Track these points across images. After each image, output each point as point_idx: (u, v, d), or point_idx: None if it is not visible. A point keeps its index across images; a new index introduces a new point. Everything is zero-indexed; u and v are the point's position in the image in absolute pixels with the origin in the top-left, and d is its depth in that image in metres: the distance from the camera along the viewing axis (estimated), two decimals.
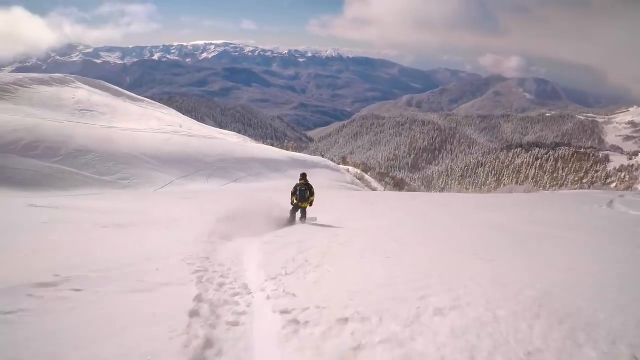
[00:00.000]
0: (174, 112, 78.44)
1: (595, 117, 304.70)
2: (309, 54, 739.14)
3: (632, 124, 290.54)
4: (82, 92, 63.27)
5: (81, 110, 57.45)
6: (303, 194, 15.03)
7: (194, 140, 59.05)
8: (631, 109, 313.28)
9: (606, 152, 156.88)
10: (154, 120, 65.71)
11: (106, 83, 78.61)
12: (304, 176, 15.63)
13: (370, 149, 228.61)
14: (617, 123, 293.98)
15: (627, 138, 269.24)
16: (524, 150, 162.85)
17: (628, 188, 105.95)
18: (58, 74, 70.10)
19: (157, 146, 52.19)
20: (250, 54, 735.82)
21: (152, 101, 78.82)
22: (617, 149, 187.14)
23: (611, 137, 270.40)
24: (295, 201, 15.12)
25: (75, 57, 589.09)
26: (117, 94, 72.33)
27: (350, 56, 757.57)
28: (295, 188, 15.19)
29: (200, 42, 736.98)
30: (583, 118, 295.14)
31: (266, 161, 62.36)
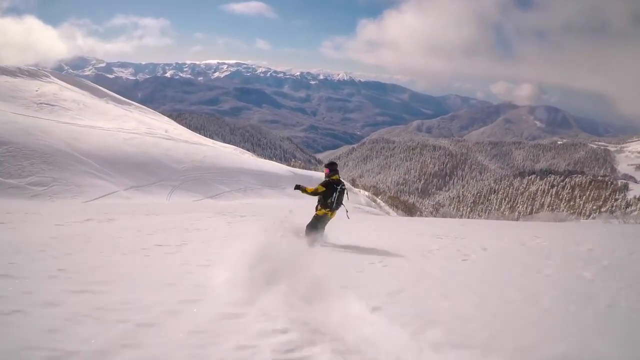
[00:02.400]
0: (166, 119, 67.05)
1: (607, 146, 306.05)
2: (321, 77, 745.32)
3: None
4: (51, 87, 53.49)
5: (40, 103, 46.22)
6: (341, 198, 10.26)
7: (167, 143, 47.19)
8: None
9: (624, 181, 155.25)
10: (133, 122, 52.78)
11: (90, 82, 70.37)
12: (334, 167, 10.45)
13: (380, 173, 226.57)
14: (629, 152, 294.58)
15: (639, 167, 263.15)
16: (538, 177, 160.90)
17: None
18: (33, 67, 62.79)
19: (110, 145, 40.41)
20: (262, 74, 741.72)
21: (143, 107, 69.99)
22: (629, 178, 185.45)
23: (623, 165, 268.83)
24: (326, 210, 10.13)
25: (88, 71, 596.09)
26: (100, 94, 61.73)
27: (362, 80, 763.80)
28: (326, 186, 10.02)
29: (213, 61, 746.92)
30: (595, 146, 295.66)
31: (260, 174, 51.38)
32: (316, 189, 9.95)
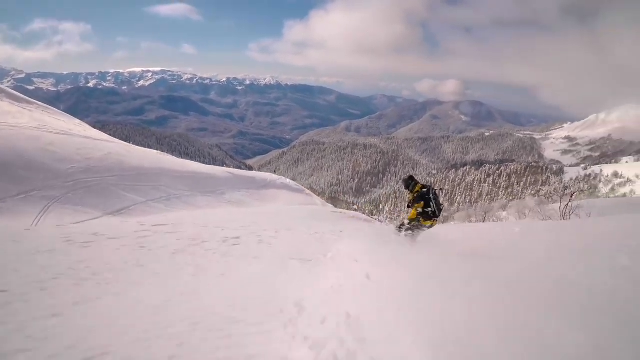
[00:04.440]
0: (77, 121, 52.03)
1: (533, 134, 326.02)
2: (248, 82, 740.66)
3: (568, 138, 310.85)
4: None
5: None
6: (439, 201, 9.33)
7: (51, 136, 29.38)
8: (565, 125, 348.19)
9: (561, 164, 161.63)
10: (27, 118, 34.09)
11: None
12: (410, 181, 9.69)
13: (312, 175, 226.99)
14: (553, 139, 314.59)
15: (565, 152, 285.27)
16: (473, 168, 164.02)
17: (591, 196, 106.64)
18: None
19: None
20: (188, 81, 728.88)
21: (51, 107, 55.72)
22: (557, 163, 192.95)
23: (549, 151, 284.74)
24: (431, 221, 9.25)
25: (7, 83, 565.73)
26: None
27: (289, 83, 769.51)
28: (422, 199, 9.14)
29: (138, 69, 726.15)
30: (522, 136, 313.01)
31: (190, 177, 35.94)
32: (416, 209, 9.13)
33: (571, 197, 20.17)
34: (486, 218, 45.61)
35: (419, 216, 9.11)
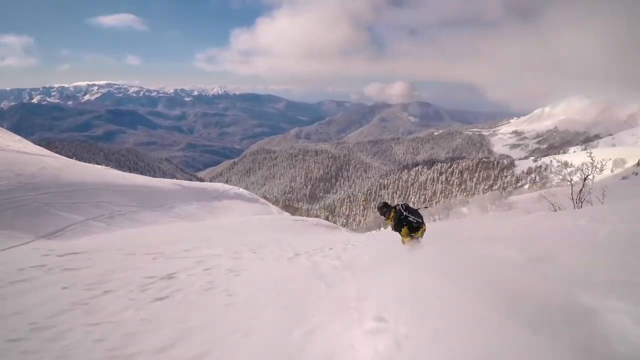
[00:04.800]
0: (17, 137, 46.79)
1: (481, 131, 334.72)
2: (195, 93, 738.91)
3: (516, 133, 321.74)
4: None
5: None
6: (415, 215, 9.22)
7: None
8: (512, 120, 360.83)
9: (512, 158, 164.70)
10: None
11: None
12: (384, 209, 9.42)
13: (265, 184, 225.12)
14: (501, 134, 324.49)
15: (514, 146, 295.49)
16: (426, 167, 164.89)
17: (542, 187, 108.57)
18: None
19: None
20: (135, 94, 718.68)
21: None
22: (506, 157, 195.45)
23: (498, 147, 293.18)
24: (415, 234, 9.18)
25: None
26: None
27: (237, 93, 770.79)
28: (400, 222, 9.08)
29: (83, 83, 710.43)
30: (470, 133, 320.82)
31: (135, 191, 32.19)
32: (405, 234, 9.14)
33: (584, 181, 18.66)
34: (450, 215, 44.17)
35: (410, 233, 9.08)
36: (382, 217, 9.61)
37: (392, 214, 9.19)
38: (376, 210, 9.75)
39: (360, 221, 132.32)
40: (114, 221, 24.55)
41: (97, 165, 42.90)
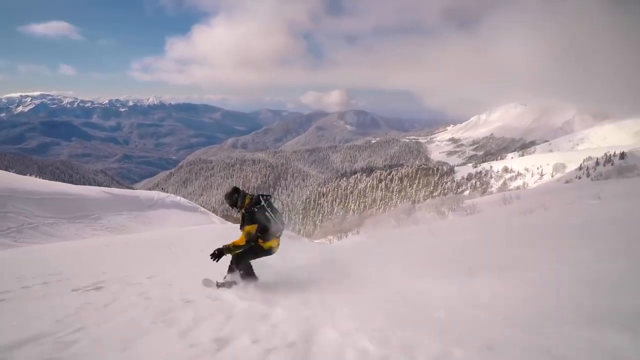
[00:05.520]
0: None
1: (418, 138, 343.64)
2: (131, 103, 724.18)
3: (453, 140, 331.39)
4: None
5: None
6: (276, 211, 6.96)
7: None
8: (448, 128, 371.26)
9: (450, 164, 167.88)
10: None
11: None
12: (234, 195, 6.98)
13: (202, 194, 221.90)
14: (438, 141, 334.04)
15: (450, 153, 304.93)
16: (364, 174, 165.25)
17: (484, 193, 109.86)
18: None
19: None
20: (69, 105, 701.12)
21: None
22: (444, 164, 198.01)
23: (435, 154, 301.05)
24: (274, 239, 6.95)
25: None
26: None
27: (172, 103, 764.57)
28: (253, 218, 6.61)
29: (15, 95, 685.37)
30: (407, 140, 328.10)
31: (52, 200, 27.44)
32: (248, 233, 6.67)
33: None
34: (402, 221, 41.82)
35: (261, 237, 6.77)
36: (232, 208, 7.16)
37: (248, 200, 6.92)
38: (224, 199, 7.26)
39: (300, 230, 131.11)
40: (23, 236, 20.93)
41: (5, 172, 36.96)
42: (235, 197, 6.98)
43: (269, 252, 6.98)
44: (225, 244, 6.66)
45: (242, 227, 6.79)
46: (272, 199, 7.16)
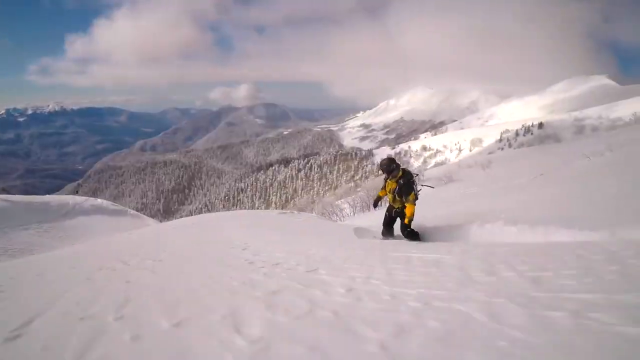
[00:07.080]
0: None
1: (330, 127, 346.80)
2: (30, 111, 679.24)
3: (364, 125, 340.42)
4: None
5: None
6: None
7: None
8: (359, 114, 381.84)
9: (364, 149, 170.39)
10: None
11: None
12: (391, 163, 7.82)
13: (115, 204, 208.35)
14: (350, 128, 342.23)
15: (363, 138, 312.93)
16: (282, 165, 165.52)
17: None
18: None
19: None
20: None
21: None
22: (357, 149, 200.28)
23: (348, 140, 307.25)
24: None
25: None
26: None
27: (74, 108, 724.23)
28: (408, 182, 7.62)
29: None
30: (320, 130, 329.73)
31: None
32: (414, 200, 7.58)
33: None
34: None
35: (407, 202, 7.64)
36: (385, 176, 7.84)
37: (400, 173, 7.62)
38: (381, 166, 7.86)
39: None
40: None
41: None
42: (392, 166, 7.70)
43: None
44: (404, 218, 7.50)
45: (398, 194, 7.55)
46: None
